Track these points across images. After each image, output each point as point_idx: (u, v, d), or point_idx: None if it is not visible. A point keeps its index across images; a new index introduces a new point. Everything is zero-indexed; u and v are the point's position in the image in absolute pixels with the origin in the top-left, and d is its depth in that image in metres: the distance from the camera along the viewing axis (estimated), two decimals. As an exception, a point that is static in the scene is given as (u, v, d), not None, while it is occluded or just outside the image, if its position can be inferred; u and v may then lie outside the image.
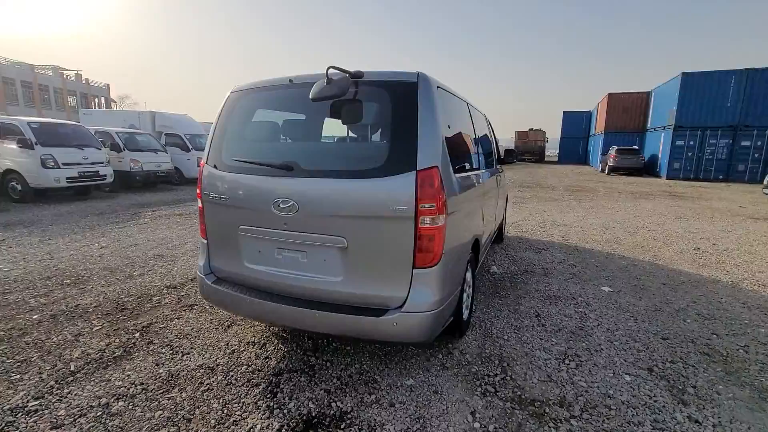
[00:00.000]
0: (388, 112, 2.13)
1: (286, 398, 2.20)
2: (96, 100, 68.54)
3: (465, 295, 2.82)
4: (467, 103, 3.21)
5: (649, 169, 20.90)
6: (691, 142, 18.09)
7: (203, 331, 2.98)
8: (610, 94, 24.64)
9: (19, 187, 8.88)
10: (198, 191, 2.64)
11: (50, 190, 9.03)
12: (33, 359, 2.57)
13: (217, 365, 2.52)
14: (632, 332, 3.03)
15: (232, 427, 1.98)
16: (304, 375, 2.42)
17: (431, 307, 2.11)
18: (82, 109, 23.57)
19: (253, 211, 2.34)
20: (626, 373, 2.47)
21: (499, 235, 5.57)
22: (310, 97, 2.09)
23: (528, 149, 37.69)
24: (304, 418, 2.04)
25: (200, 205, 2.63)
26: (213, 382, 2.35)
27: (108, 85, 73.36)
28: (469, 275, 2.92)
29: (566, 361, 2.60)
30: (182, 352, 2.69)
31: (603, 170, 21.91)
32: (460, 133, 2.84)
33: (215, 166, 2.54)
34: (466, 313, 2.93)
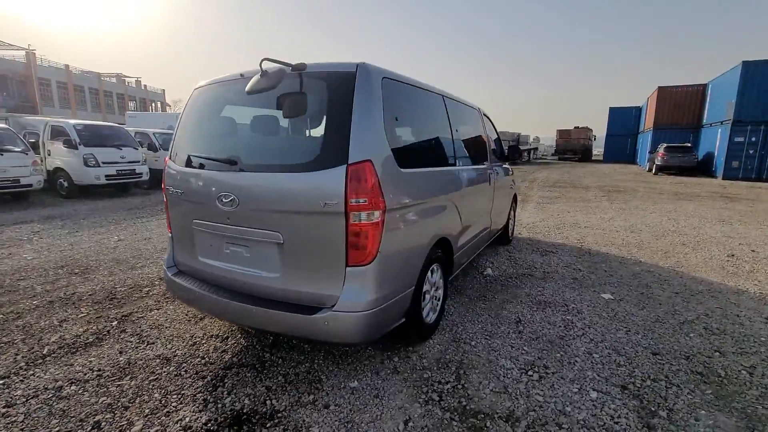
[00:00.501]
0: (324, 104, 2.07)
1: (225, 393, 2.20)
2: (153, 104, 73.74)
3: (428, 297, 2.69)
4: (443, 97, 3.06)
5: (703, 168, 19.16)
6: (753, 138, 16.33)
7: (175, 322, 3.07)
8: (660, 88, 22.83)
9: (65, 184, 9.70)
10: (162, 186, 2.71)
11: (92, 186, 9.79)
12: (16, 341, 2.76)
13: (174, 356, 2.58)
14: (619, 345, 2.75)
15: (163, 417, 2.00)
16: (252, 371, 2.41)
17: (366, 307, 2.02)
18: (128, 111, 25.36)
19: (202, 205, 2.36)
20: (594, 389, 2.24)
21: (505, 237, 5.31)
22: (245, 90, 2.07)
23: (570, 147, 35.98)
24: (235, 414, 2.03)
25: (165, 199, 2.70)
26: (164, 372, 2.40)
27: (164, 90, 78.51)
28: (436, 276, 2.79)
29: (530, 373, 2.40)
30: (148, 341, 2.78)
31: (650, 169, 20.37)
32: (421, 127, 2.71)
33: (175, 161, 2.60)
34: (432, 317, 2.80)
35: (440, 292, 2.92)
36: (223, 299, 2.26)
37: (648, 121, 25.53)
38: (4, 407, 2.07)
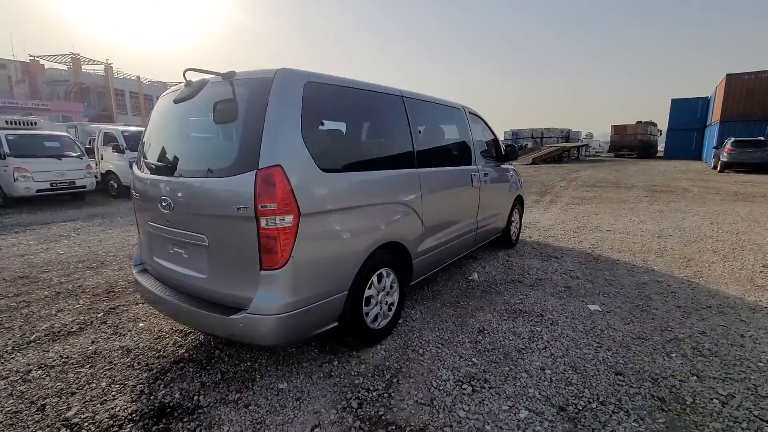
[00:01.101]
0: (243, 110, 2.11)
1: (162, 386, 2.32)
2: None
3: (374, 302, 2.65)
4: (402, 98, 2.98)
5: (782, 165, 16.90)
6: (842, 131, 14.14)
7: (152, 316, 3.29)
8: (728, 76, 20.45)
9: (115, 185, 10.70)
10: (131, 189, 2.93)
11: (137, 187, 10.70)
12: (14, 327, 3.11)
13: (136, 348, 2.77)
14: (580, 362, 2.53)
15: (98, 405, 2.16)
16: (196, 366, 2.53)
17: (280, 310, 2.04)
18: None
19: (150, 208, 2.52)
20: (527, 408, 2.09)
21: (506, 240, 5.07)
22: (173, 99, 2.18)
23: (626, 144, 33.52)
24: (161, 406, 2.14)
25: (133, 201, 2.91)
26: (120, 362, 2.59)
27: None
28: (386, 282, 2.74)
29: (464, 386, 2.28)
30: (120, 333, 3.00)
31: (715, 167, 18.35)
32: (362, 130, 2.67)
33: (138, 166, 2.79)
34: (383, 322, 2.77)
35: (394, 297, 2.87)
36: (166, 297, 2.39)
37: (715, 113, 23.02)
38: (-23, 386, 2.35)
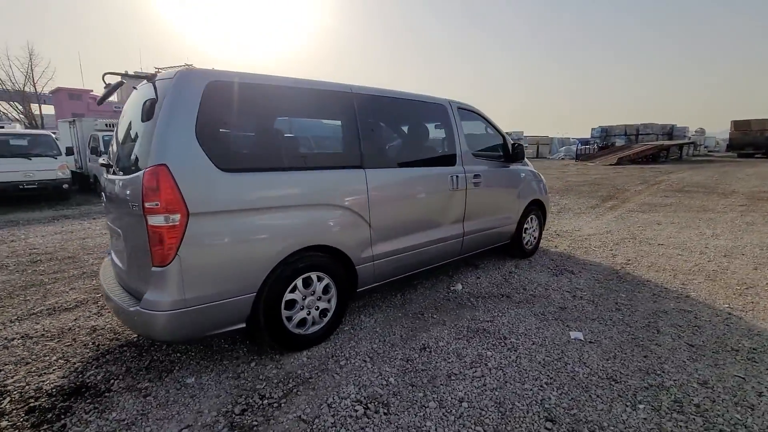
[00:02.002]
0: (149, 111, 2.17)
1: (94, 366, 2.51)
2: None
3: (299, 307, 2.56)
4: (351, 94, 2.81)
5: None
6: None
7: (135, 300, 3.60)
8: None
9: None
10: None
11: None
12: (31, 300, 3.63)
13: (101, 329, 3.04)
14: (511, 399, 2.15)
15: (36, 377, 2.41)
16: (135, 351, 2.69)
17: (169, 307, 2.06)
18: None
19: (105, 205, 2.74)
20: (408, 444, 1.83)
21: (517, 248, 4.56)
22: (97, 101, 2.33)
23: (749, 141, 28.25)
24: (79, 386, 2.31)
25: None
26: (80, 340, 2.87)
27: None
28: (317, 286, 2.63)
29: (357, 407, 2.08)
30: (101, 314, 3.33)
31: None
32: (278, 128, 2.57)
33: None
34: (314, 328, 2.67)
35: (330, 304, 2.74)
36: (103, 284, 2.59)
37: None
38: (-30, 347, 2.80)
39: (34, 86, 33.08)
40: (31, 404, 2.15)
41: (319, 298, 2.68)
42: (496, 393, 2.20)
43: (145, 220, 2.04)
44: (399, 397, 2.17)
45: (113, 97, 2.65)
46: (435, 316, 3.18)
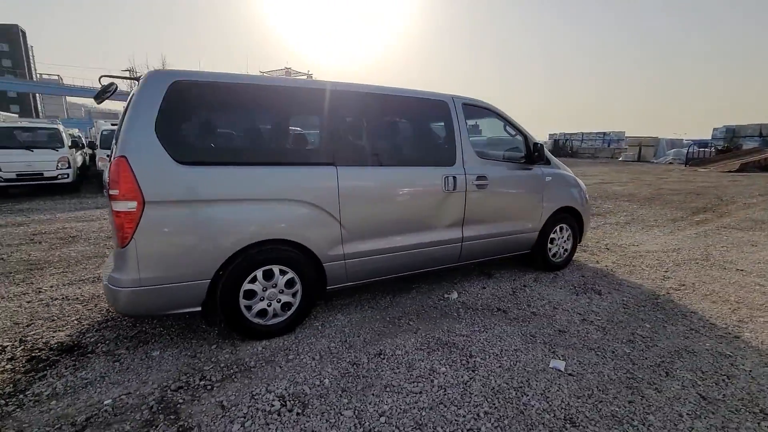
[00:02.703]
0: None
1: (95, 330, 2.89)
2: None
3: (259, 297, 2.65)
4: (326, 90, 2.78)
5: None
6: None
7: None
8: None
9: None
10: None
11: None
12: (77, 272, 4.30)
13: (82, 298, 3.47)
14: (434, 424, 1.95)
15: (51, 332, 2.86)
16: (131, 322, 3.04)
17: (125, 285, 2.30)
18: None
19: None
20: (300, 448, 1.78)
21: (541, 260, 4.11)
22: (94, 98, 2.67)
23: None
24: (74, 345, 2.68)
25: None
26: (98, 306, 3.32)
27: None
28: (280, 280, 2.69)
29: (275, 402, 2.08)
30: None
31: None
32: (242, 124, 2.64)
33: None
34: (275, 320, 2.76)
35: (295, 298, 2.78)
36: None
37: None
38: None
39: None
40: (34, 354, 2.57)
41: (282, 291, 2.73)
42: (424, 414, 2.02)
43: (110, 206, 2.29)
44: (322, 400, 2.12)
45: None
46: (411, 323, 3.02)
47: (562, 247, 4.26)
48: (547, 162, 4.05)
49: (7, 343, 2.70)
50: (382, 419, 1.98)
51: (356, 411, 2.04)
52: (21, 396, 2.16)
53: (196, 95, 2.44)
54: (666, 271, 4.27)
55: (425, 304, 3.38)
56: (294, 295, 2.79)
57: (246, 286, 2.60)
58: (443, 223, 3.36)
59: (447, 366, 2.45)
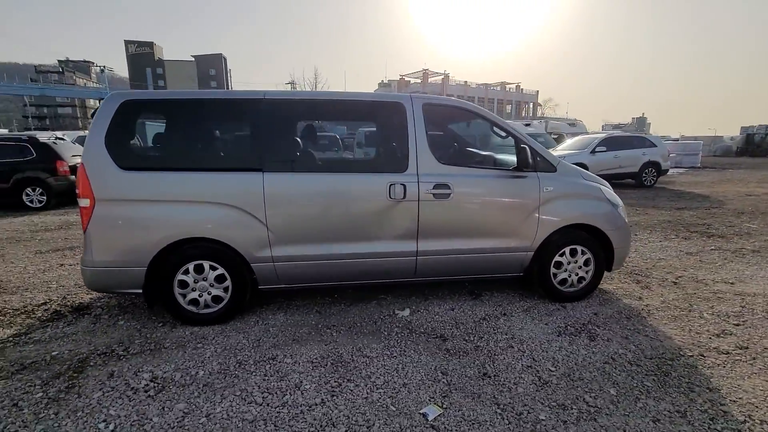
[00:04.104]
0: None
1: (108, 297, 3.69)
2: (526, 105, 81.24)
3: (190, 288, 2.97)
4: (262, 100, 2.89)
5: None
6: None
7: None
8: None
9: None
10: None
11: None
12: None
13: None
14: (242, 436, 1.91)
15: (77, 297, 3.78)
16: (115, 299, 3.76)
17: (86, 264, 2.88)
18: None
19: None
20: None
21: (545, 288, 3.42)
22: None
23: None
24: (85, 306, 3.49)
25: None
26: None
27: (537, 91, 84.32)
28: (210, 274, 2.97)
29: (145, 381, 2.34)
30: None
31: None
32: (178, 135, 2.90)
33: None
34: (207, 311, 3.04)
35: (227, 292, 3.02)
36: None
37: None
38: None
39: (315, 98, 45.08)
40: (59, 309, 3.45)
41: (212, 285, 3.00)
42: (241, 425, 2.00)
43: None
44: (178, 389, 2.29)
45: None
46: (333, 335, 2.93)
47: (575, 274, 3.43)
48: (551, 169, 3.32)
49: (55, 298, 3.69)
50: (203, 419, 2.05)
51: (190, 406, 2.15)
52: (23, 336, 2.96)
53: (140, 112, 2.91)
54: (736, 325, 3.02)
55: (369, 317, 3.21)
56: (225, 289, 3.04)
57: (180, 276, 2.95)
58: (391, 234, 3.12)
59: (315, 384, 2.33)
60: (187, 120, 3.01)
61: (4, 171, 8.11)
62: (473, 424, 2.00)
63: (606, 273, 3.58)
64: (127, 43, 73.58)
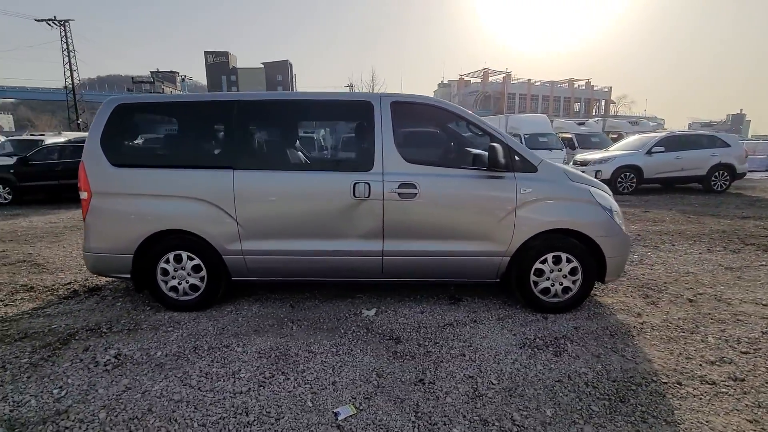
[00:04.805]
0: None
1: (121, 282, 4.12)
2: (597, 103, 75.58)
3: (170, 275, 3.22)
4: (237, 102, 3.04)
5: None
6: None
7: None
8: None
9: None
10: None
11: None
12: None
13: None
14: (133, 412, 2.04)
15: (96, 279, 4.25)
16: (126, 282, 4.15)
17: (85, 250, 3.25)
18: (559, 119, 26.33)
19: None
20: (67, 393, 2.23)
21: (524, 297, 3.20)
22: None
23: None
24: (102, 286, 3.94)
25: None
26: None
27: (610, 87, 77.99)
28: (187, 263, 3.20)
29: (109, 357, 2.58)
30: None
31: None
32: (162, 134, 3.11)
33: None
34: (186, 298, 3.27)
35: (203, 282, 3.23)
36: None
37: None
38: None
39: (371, 101, 45.95)
40: (76, 289, 3.93)
41: (189, 274, 3.23)
42: (167, 405, 2.14)
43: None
44: (132, 367, 2.50)
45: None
46: (294, 329, 3.00)
47: (559, 284, 3.16)
48: (530, 169, 3.09)
49: (79, 279, 4.19)
50: (138, 395, 2.22)
51: (133, 382, 2.34)
52: (39, 310, 3.42)
53: (131, 114, 3.21)
54: (743, 352, 2.58)
55: (335, 314, 3.24)
56: (202, 279, 3.25)
57: (162, 265, 3.22)
58: (356, 232, 3.12)
59: (250, 373, 2.42)
60: (170, 121, 3.28)
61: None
62: (380, 429, 1.95)
63: (608, 284, 3.25)
64: (207, 53, 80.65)
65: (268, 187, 3.12)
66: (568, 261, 3.13)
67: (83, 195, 3.19)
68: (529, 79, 70.29)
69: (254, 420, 2.02)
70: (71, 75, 37.65)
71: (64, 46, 37.57)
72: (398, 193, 3.04)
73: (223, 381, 2.35)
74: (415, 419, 2.02)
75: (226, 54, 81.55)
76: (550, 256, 3.12)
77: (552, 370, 2.43)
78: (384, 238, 3.12)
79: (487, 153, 2.99)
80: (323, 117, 3.48)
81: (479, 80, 69.22)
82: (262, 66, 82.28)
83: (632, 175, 9.87)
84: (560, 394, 2.20)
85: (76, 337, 2.90)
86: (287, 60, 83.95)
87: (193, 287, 3.27)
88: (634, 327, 2.97)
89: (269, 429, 1.95)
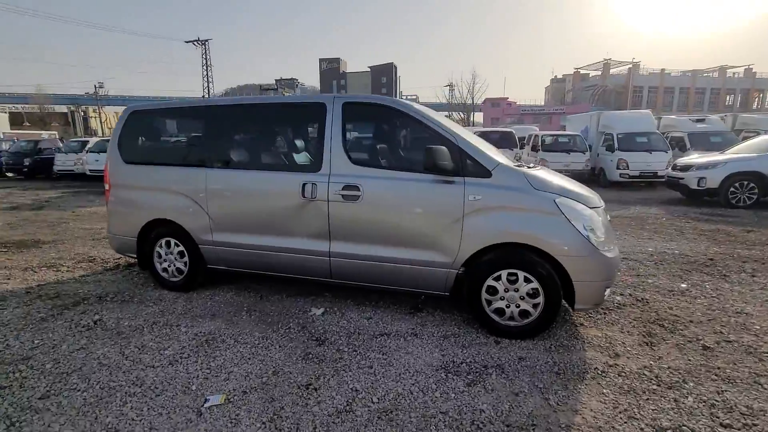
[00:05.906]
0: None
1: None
2: (760, 94, 61.53)
3: (163, 259, 3.72)
4: (209, 107, 3.37)
5: None
6: None
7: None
8: None
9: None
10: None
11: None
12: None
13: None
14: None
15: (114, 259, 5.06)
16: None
17: (108, 232, 3.96)
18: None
19: None
20: (42, 344, 2.76)
21: (477, 316, 2.91)
22: None
23: None
24: (124, 266, 4.71)
25: None
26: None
27: (778, 74, 62.73)
28: (174, 249, 3.66)
29: (91, 322, 3.11)
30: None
31: None
32: (161, 137, 3.54)
33: None
34: (174, 279, 3.75)
35: (186, 267, 3.65)
36: None
37: None
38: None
39: (473, 99, 44.74)
40: (118, 263, 4.76)
41: (176, 259, 3.69)
42: (92, 364, 2.51)
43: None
44: (102, 332, 2.97)
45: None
46: (243, 318, 3.20)
47: (516, 305, 2.75)
48: (483, 174, 2.75)
49: (119, 260, 5.08)
50: (83, 354, 2.64)
51: (89, 344, 2.78)
52: (83, 277, 4.26)
53: (140, 118, 3.78)
54: (721, 425, 1.92)
55: (287, 310, 3.34)
56: (185, 264, 3.68)
57: (157, 248, 3.74)
58: (306, 232, 3.18)
59: (173, 352, 2.67)
60: (166, 123, 3.79)
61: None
62: (231, 423, 2.00)
63: (581, 311, 2.74)
64: (321, 60, 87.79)
65: (231, 185, 3.39)
66: (527, 281, 2.71)
67: (106, 186, 3.88)
68: (663, 69, 60.22)
69: (139, 392, 2.25)
70: (208, 86, 45.16)
71: (203, 61, 45.22)
72: (342, 195, 3.01)
73: (149, 355, 2.65)
74: (268, 421, 2.02)
75: (337, 60, 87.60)
76: (504, 273, 2.75)
77: (448, 400, 2.17)
78: (331, 240, 3.12)
79: (455, 157, 2.77)
80: (282, 119, 3.62)
81: (599, 73, 61.83)
82: (369, 69, 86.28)
83: (752, 185, 7.83)
84: (433, 428, 1.96)
85: (84, 302, 3.55)
86: (392, 63, 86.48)
87: (179, 270, 3.71)
88: (596, 369, 2.44)
89: (145, 402, 2.16)
